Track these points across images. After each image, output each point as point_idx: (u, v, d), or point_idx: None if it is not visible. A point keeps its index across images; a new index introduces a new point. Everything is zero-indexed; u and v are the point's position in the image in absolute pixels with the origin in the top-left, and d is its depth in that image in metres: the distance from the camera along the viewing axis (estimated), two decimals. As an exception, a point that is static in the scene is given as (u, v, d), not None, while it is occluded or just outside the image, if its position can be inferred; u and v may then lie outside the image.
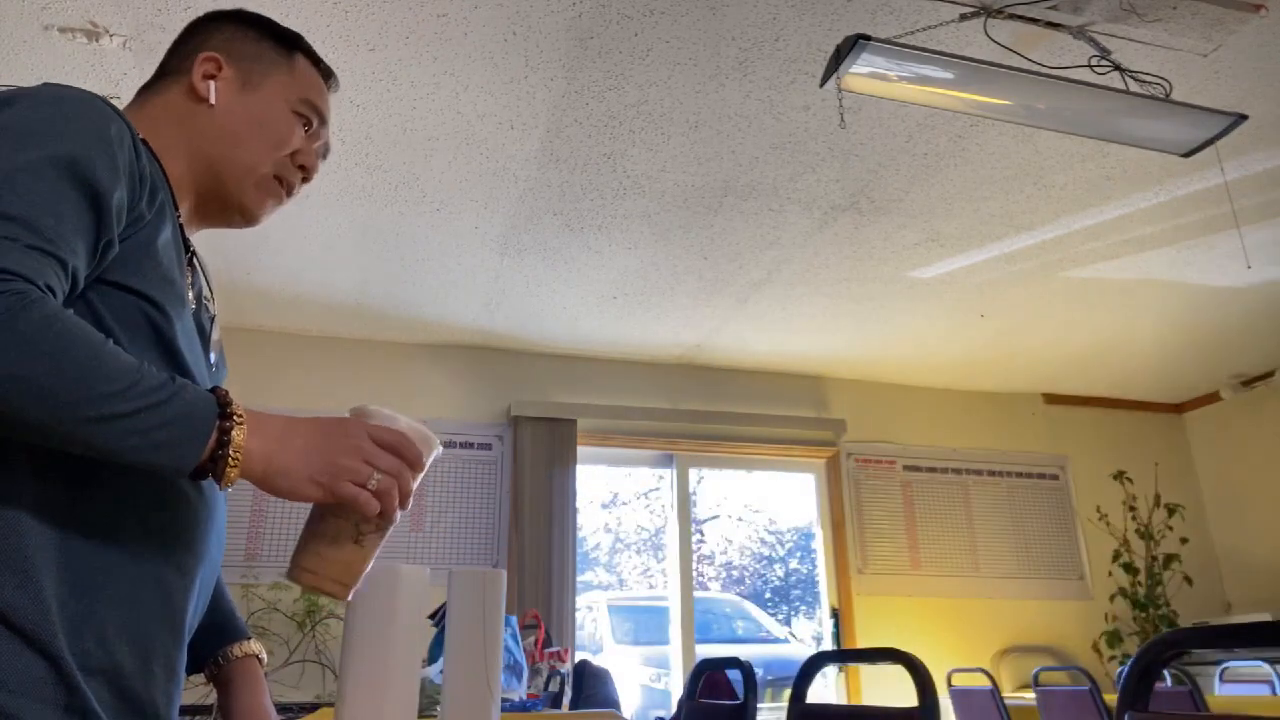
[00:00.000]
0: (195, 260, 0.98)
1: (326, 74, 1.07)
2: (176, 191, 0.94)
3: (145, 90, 1.00)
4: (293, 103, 1.01)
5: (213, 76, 0.98)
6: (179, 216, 0.93)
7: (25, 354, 0.65)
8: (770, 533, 9.34)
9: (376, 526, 0.84)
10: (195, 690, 3.36)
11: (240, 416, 0.75)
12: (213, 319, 0.98)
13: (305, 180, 1.04)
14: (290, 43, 1.04)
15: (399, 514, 0.84)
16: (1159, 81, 2.37)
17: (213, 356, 0.97)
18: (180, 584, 0.84)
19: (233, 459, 0.74)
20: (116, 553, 0.78)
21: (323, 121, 1.05)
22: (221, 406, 0.75)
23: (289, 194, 1.03)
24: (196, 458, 0.73)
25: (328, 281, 3.64)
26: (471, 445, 4.16)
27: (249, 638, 1.08)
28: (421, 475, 0.87)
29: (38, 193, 0.72)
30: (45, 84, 0.82)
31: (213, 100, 0.96)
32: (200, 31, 1.02)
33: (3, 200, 0.71)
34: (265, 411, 0.79)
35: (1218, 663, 3.80)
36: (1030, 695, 3.66)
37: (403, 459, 0.83)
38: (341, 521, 0.82)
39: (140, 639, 0.79)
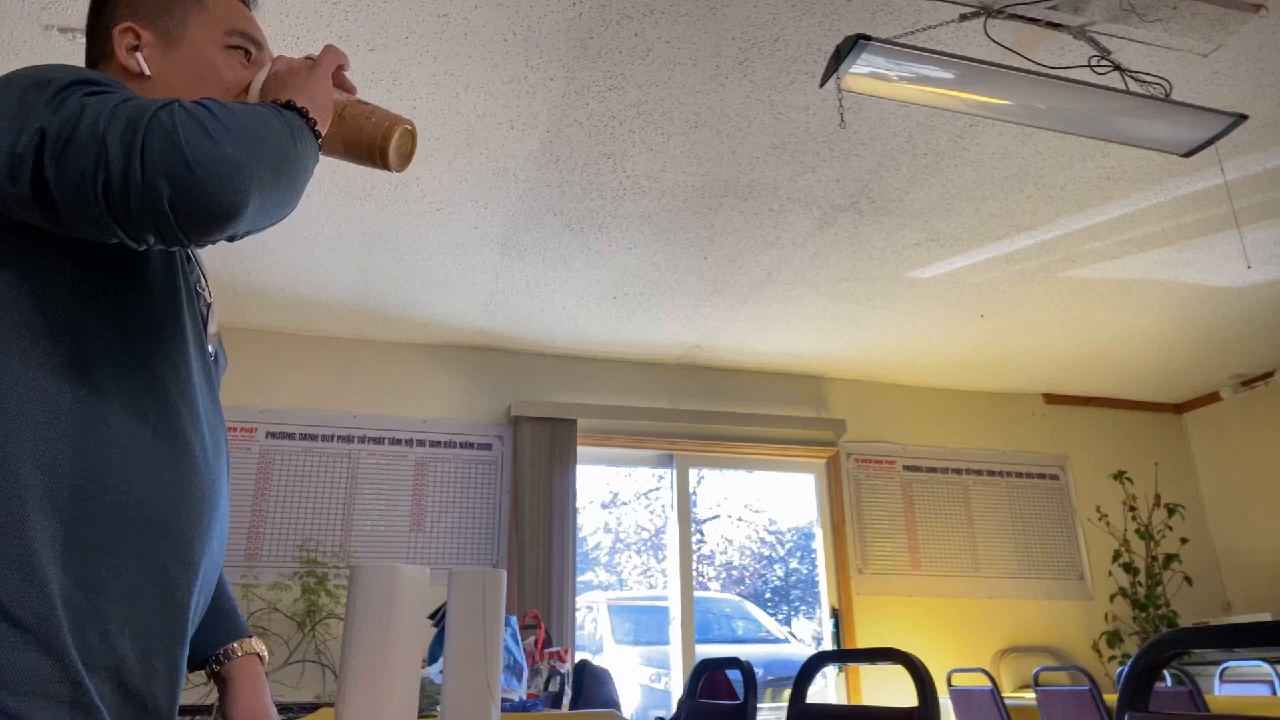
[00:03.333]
0: (191, 251, 0.97)
1: None
2: None
3: None
4: (220, 39, 0.96)
5: (136, 47, 0.93)
6: None
7: (243, 140, 0.75)
8: (770, 533, 9.35)
9: (352, 94, 1.02)
10: (195, 690, 3.36)
11: (288, 100, 0.89)
12: (209, 307, 0.98)
13: None
14: None
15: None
16: (1159, 81, 2.37)
17: (211, 348, 0.96)
18: (183, 579, 0.84)
19: (309, 114, 0.89)
20: (120, 547, 0.78)
21: (258, 46, 1.00)
22: (284, 106, 0.87)
23: None
24: (313, 133, 0.87)
25: (328, 281, 3.64)
26: (471, 445, 4.16)
27: (250, 635, 1.08)
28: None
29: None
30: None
31: (147, 71, 0.93)
32: (102, 10, 0.97)
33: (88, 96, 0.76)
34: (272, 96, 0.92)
35: (1218, 663, 3.80)
36: (1030, 695, 3.66)
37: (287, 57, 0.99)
38: (345, 111, 0.98)
39: (143, 634, 0.79)
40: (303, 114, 0.87)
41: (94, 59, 0.96)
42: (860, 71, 2.09)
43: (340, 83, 0.99)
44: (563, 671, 2.25)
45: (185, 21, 0.95)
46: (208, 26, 0.96)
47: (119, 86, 0.79)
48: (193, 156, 0.71)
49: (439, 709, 1.03)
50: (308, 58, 0.96)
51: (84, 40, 2.24)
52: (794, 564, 9.13)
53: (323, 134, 0.90)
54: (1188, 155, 2.38)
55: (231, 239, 0.78)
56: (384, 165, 0.97)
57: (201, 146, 0.71)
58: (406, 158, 1.00)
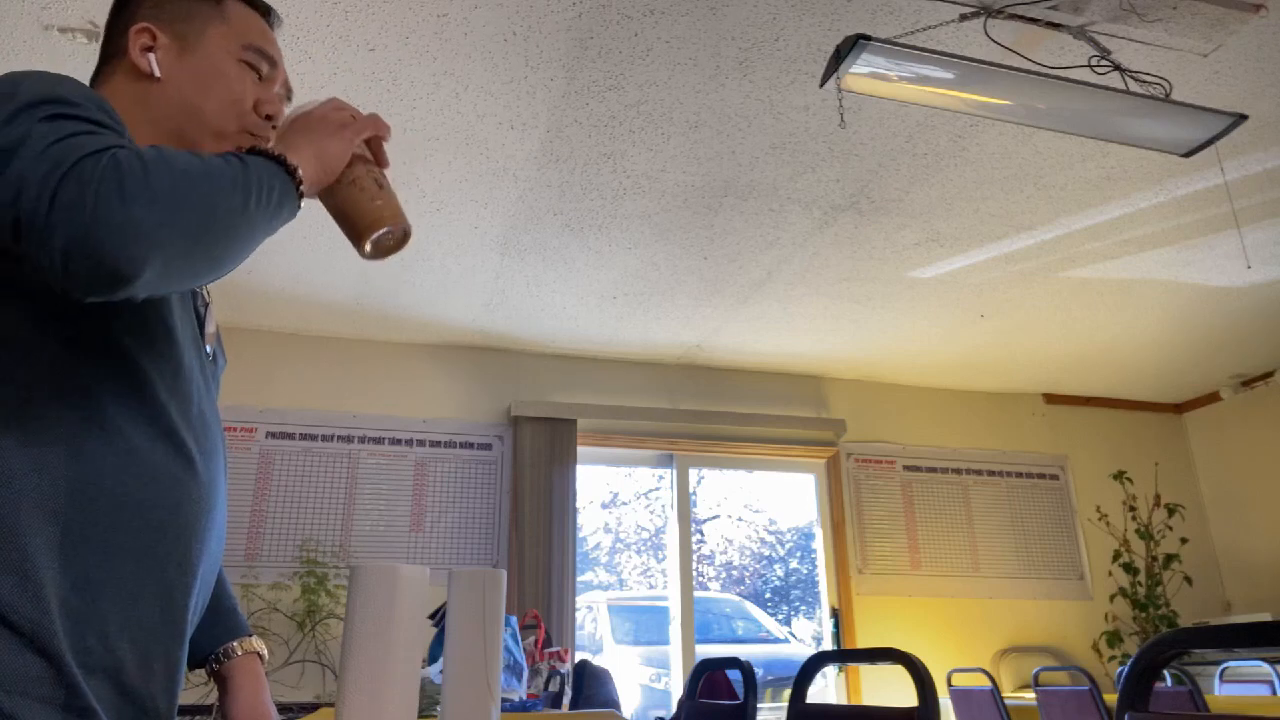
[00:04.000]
0: None
1: (264, 11, 1.03)
2: None
3: (92, 83, 0.95)
4: (235, 52, 0.96)
5: (150, 48, 0.93)
6: None
7: (162, 203, 0.70)
8: (770, 533, 9.35)
9: (380, 167, 0.98)
10: (195, 690, 3.36)
11: (281, 153, 0.85)
12: (207, 306, 0.98)
13: (274, 128, 1.00)
14: None
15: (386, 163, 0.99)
16: (1159, 81, 2.38)
17: (209, 348, 0.96)
18: (181, 580, 0.84)
19: (297, 170, 0.85)
20: (118, 550, 0.77)
21: (273, 64, 1.00)
22: (255, 152, 0.84)
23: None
24: (292, 188, 0.84)
25: (328, 281, 3.64)
26: (471, 445, 4.16)
27: (251, 634, 1.08)
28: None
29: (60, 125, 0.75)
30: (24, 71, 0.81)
31: (157, 74, 0.92)
32: (125, 5, 0.97)
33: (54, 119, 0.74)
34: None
35: (1218, 663, 3.80)
36: (1030, 695, 3.66)
37: (343, 108, 0.96)
38: (357, 180, 0.94)
39: (141, 636, 0.79)
40: (289, 171, 0.84)
41: (107, 55, 0.96)
42: (860, 71, 2.09)
43: (375, 151, 0.97)
44: (563, 671, 2.25)
45: (204, 30, 0.96)
46: (225, 37, 0.96)
47: (86, 109, 0.77)
48: (94, 214, 0.67)
49: (439, 709, 1.03)
50: (352, 115, 0.94)
51: (84, 40, 2.24)
52: (794, 564, 9.13)
53: (307, 194, 0.88)
54: (1188, 155, 2.38)
55: (133, 299, 0.73)
56: (358, 248, 0.95)
57: (108, 204, 0.68)
58: (384, 252, 0.97)
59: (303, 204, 0.87)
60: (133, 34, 0.93)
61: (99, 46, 1.01)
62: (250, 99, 0.97)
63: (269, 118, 0.99)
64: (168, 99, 0.93)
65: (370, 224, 0.93)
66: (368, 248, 0.95)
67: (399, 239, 0.97)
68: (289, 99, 1.05)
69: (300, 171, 0.85)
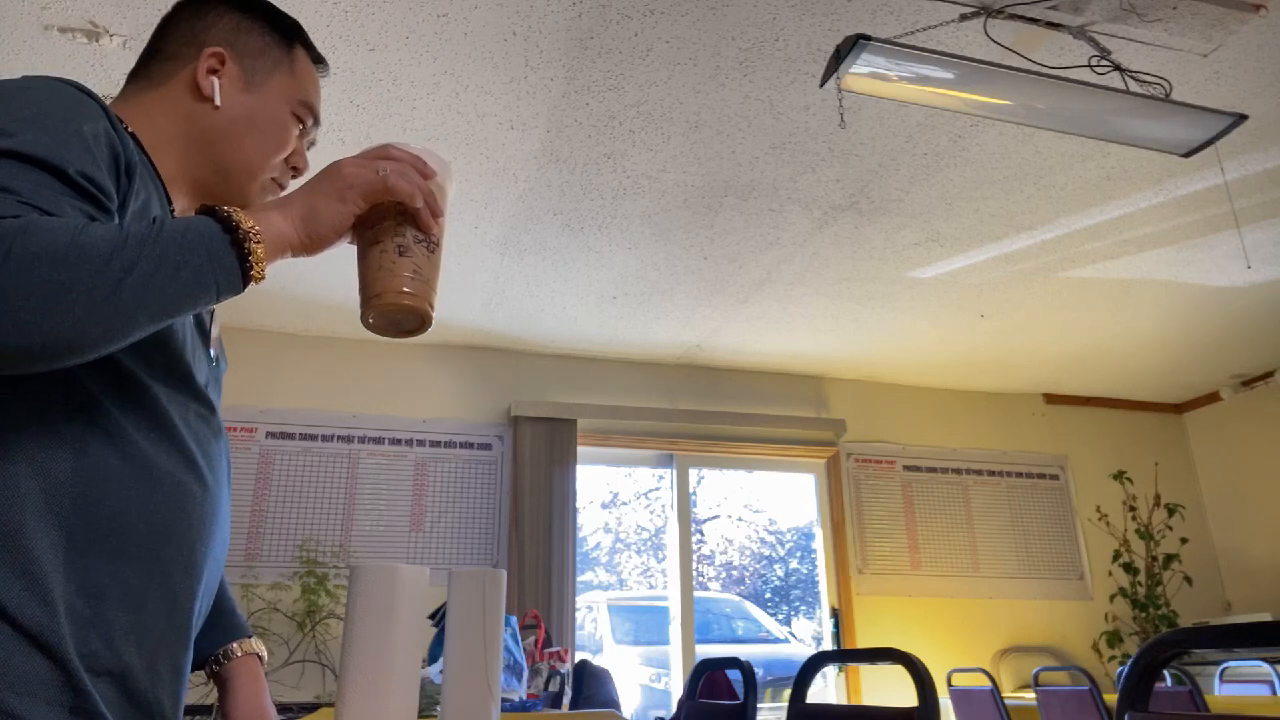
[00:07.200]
0: None
1: (317, 60, 1.04)
2: (170, 187, 0.92)
3: (138, 78, 0.95)
4: (293, 105, 0.98)
5: (215, 72, 0.93)
6: (173, 212, 0.92)
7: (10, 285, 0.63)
8: (770, 533, 9.35)
9: (415, 234, 0.87)
10: (195, 690, 3.36)
11: (227, 208, 0.77)
12: (211, 313, 0.98)
13: (295, 178, 1.01)
14: (290, 34, 1.00)
15: (434, 226, 0.88)
16: (1159, 81, 2.38)
17: (212, 351, 0.96)
18: (186, 584, 0.84)
19: (254, 235, 0.76)
20: (124, 554, 0.77)
21: (316, 121, 1.02)
22: (204, 211, 0.76)
23: (282, 190, 1.00)
24: (230, 258, 0.75)
25: (328, 282, 3.64)
26: (471, 445, 4.16)
27: (251, 635, 1.08)
28: (442, 193, 0.91)
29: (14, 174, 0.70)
30: (26, 77, 0.80)
31: (219, 101, 0.93)
32: (201, 16, 0.96)
33: None
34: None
35: (1218, 663, 3.80)
36: (1030, 695, 3.66)
37: (394, 159, 0.86)
38: (379, 241, 0.86)
39: (147, 639, 0.79)
40: (239, 238, 0.76)
41: (163, 56, 0.95)
42: (860, 71, 2.09)
43: (423, 224, 0.87)
44: (563, 671, 2.25)
45: (271, 74, 0.97)
46: (288, 88, 0.98)
47: (23, 139, 0.72)
48: None
49: (439, 709, 1.03)
50: (385, 158, 0.86)
51: (83, 40, 2.24)
52: (794, 564, 9.13)
53: (275, 258, 0.80)
54: (1188, 155, 2.39)
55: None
56: (362, 314, 0.87)
57: None
58: (391, 329, 0.89)
59: (257, 273, 0.78)
60: (205, 55, 0.94)
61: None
62: (289, 150, 0.98)
63: (294, 169, 1.00)
64: (216, 127, 0.93)
65: (367, 293, 0.86)
66: (368, 318, 0.87)
67: (400, 315, 0.87)
68: (310, 147, 1.05)
69: (259, 233, 0.77)
